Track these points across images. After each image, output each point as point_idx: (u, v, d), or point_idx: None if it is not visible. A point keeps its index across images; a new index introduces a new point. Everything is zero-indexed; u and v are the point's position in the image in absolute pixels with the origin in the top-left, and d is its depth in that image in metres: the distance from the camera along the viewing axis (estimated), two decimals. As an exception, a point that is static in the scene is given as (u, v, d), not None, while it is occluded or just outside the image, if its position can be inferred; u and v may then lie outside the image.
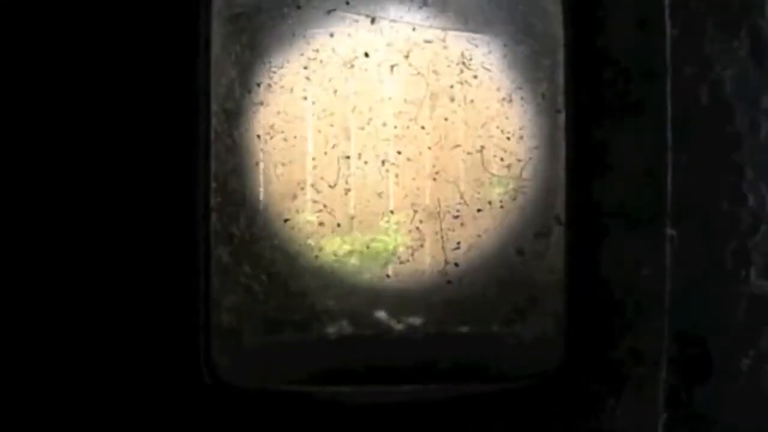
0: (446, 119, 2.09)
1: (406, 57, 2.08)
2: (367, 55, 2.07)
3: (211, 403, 1.69)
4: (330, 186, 2.06)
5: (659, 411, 1.66)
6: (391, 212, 2.06)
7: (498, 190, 2.06)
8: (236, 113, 1.99)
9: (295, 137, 2.06)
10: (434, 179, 2.08)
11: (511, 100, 2.07)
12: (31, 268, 1.70)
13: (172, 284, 1.70)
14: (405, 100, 2.08)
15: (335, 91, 2.07)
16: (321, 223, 2.06)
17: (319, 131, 2.07)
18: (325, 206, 2.06)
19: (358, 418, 1.69)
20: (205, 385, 1.69)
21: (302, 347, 1.96)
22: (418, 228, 2.06)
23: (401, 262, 2.06)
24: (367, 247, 2.07)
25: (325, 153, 2.08)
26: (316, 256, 2.05)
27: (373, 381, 1.87)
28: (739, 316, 1.69)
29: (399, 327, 1.97)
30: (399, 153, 2.08)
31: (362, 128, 2.09)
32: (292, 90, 2.05)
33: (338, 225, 2.07)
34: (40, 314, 1.69)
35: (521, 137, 2.07)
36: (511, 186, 2.05)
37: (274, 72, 2.04)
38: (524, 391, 1.75)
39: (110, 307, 1.68)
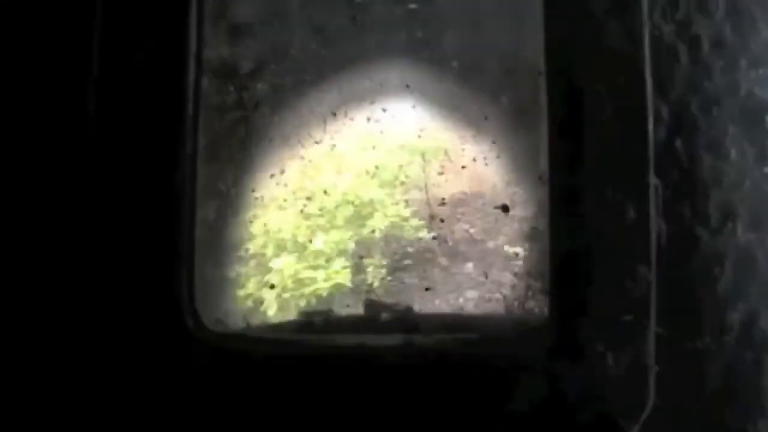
0: (430, 79, 2.10)
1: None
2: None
3: (194, 349, 1.69)
4: (316, 142, 2.07)
5: (650, 363, 1.66)
6: (376, 167, 2.08)
7: (482, 147, 2.07)
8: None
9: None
10: (419, 137, 2.09)
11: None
12: (15, 211, 1.71)
13: (156, 232, 1.70)
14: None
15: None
16: (310, 179, 2.08)
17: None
18: (310, 162, 2.07)
19: (341, 365, 1.70)
20: (188, 332, 1.70)
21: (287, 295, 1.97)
22: (403, 183, 2.07)
23: (386, 216, 2.07)
24: (353, 203, 2.08)
25: (312, 110, 2.08)
26: (304, 206, 2.06)
27: (356, 331, 1.88)
28: (728, 269, 1.70)
29: (383, 275, 1.98)
30: (384, 110, 2.09)
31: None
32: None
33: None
34: (20, 256, 1.70)
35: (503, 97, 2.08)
36: (494, 143, 2.06)
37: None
38: (508, 340, 1.76)
39: (92, 255, 1.69)
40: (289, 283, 2.03)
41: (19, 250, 1.70)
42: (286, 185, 2.00)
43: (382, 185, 2.07)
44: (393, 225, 2.08)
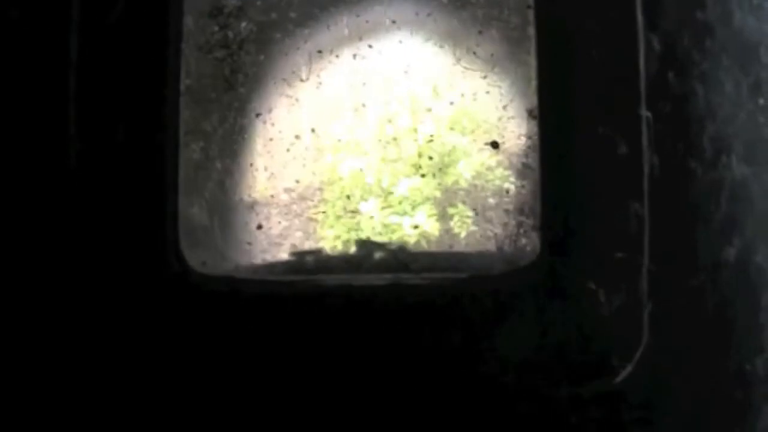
0: (417, 14, 2.07)
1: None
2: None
3: (178, 291, 1.68)
4: (302, 80, 2.04)
5: (644, 300, 1.65)
6: (363, 105, 2.05)
7: (470, 83, 2.04)
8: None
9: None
10: (406, 72, 2.06)
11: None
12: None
13: (140, 174, 1.69)
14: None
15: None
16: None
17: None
18: (297, 100, 2.04)
19: (328, 307, 1.69)
20: (173, 274, 1.68)
21: (274, 237, 1.96)
22: (390, 121, 2.04)
23: (377, 155, 2.05)
24: (339, 140, 2.06)
25: (298, 48, 2.06)
26: (288, 150, 2.04)
27: (348, 270, 1.87)
28: (722, 204, 1.68)
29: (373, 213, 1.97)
30: (370, 47, 2.06)
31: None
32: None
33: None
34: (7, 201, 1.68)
35: (492, 32, 2.05)
36: (483, 80, 2.03)
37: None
38: (499, 278, 1.74)
39: (76, 197, 1.67)
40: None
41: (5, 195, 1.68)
42: (273, 124, 1.97)
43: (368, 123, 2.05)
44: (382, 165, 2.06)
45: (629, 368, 1.64)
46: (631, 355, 1.64)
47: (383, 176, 2.06)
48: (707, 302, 1.68)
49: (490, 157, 2.01)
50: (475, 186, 2.05)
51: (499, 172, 2.01)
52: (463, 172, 2.04)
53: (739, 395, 1.71)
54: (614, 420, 1.68)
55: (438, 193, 2.06)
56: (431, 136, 1.98)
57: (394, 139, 1.99)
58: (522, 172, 1.92)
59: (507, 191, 1.92)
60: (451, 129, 2.01)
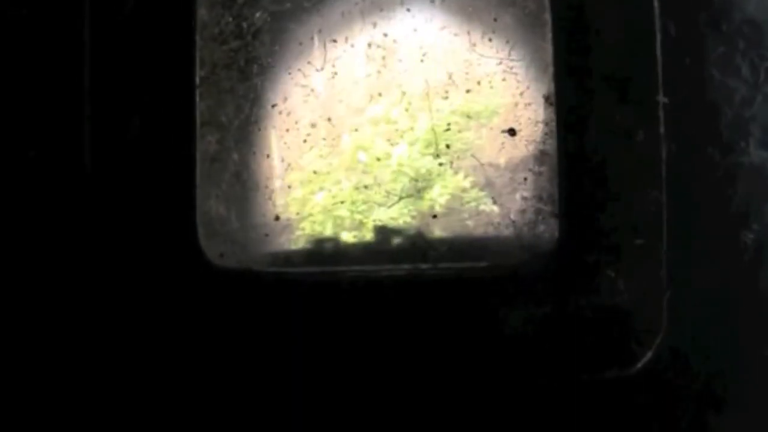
0: (432, 1, 2.06)
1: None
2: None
3: (197, 283, 1.69)
4: (317, 70, 2.04)
5: (663, 286, 1.65)
6: (379, 94, 2.04)
7: (486, 70, 2.03)
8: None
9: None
10: (421, 61, 2.06)
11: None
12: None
13: (157, 168, 1.69)
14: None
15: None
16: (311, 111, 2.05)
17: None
18: (312, 90, 2.04)
19: (346, 297, 1.69)
20: (191, 265, 1.69)
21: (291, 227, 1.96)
22: (406, 110, 2.04)
23: (392, 144, 2.05)
24: (356, 130, 2.06)
25: (311, 38, 2.05)
26: (304, 141, 2.03)
27: (366, 257, 1.88)
28: (740, 188, 1.67)
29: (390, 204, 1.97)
30: (385, 35, 2.05)
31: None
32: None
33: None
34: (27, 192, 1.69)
35: (508, 19, 2.04)
36: (499, 66, 2.03)
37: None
38: (518, 266, 1.74)
39: (93, 194, 1.68)
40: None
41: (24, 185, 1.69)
42: (289, 114, 1.97)
43: (385, 110, 2.04)
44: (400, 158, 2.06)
45: (648, 355, 1.64)
46: (651, 341, 1.63)
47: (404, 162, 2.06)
48: (726, 288, 1.68)
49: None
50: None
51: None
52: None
53: (758, 382, 1.70)
54: (633, 407, 1.68)
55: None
56: (448, 124, 1.97)
57: (411, 129, 1.98)
58: (540, 158, 1.91)
59: (525, 179, 1.92)
60: (468, 117, 1.99)
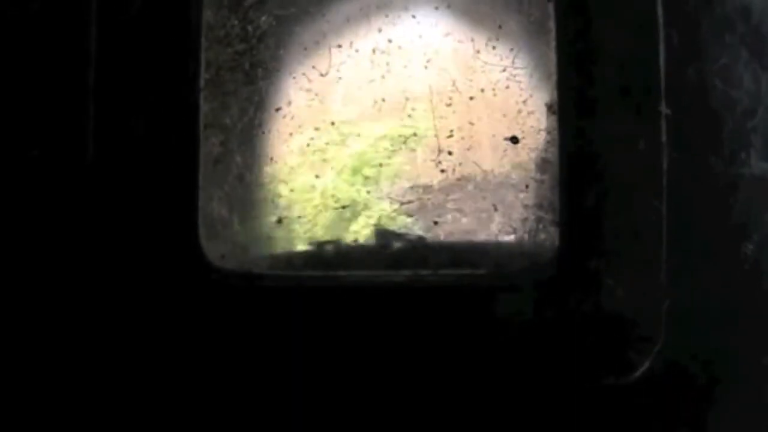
0: (436, 7, 2.07)
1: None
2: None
3: (198, 285, 1.69)
4: (321, 75, 2.04)
5: (662, 295, 1.65)
6: (383, 100, 2.05)
7: (490, 77, 2.04)
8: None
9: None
10: (425, 67, 2.06)
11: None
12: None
13: (160, 169, 1.69)
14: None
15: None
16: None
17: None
18: (317, 95, 2.05)
19: (346, 302, 1.69)
20: (192, 267, 1.69)
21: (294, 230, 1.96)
22: (409, 116, 2.04)
23: (393, 150, 2.05)
24: (358, 135, 2.06)
25: (317, 42, 2.06)
26: (308, 144, 2.04)
27: (367, 261, 1.88)
28: (741, 198, 1.68)
29: (392, 214, 1.97)
30: (390, 41, 2.06)
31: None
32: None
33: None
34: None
35: (512, 26, 2.05)
36: (503, 74, 2.03)
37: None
38: (518, 273, 1.75)
39: (95, 194, 1.68)
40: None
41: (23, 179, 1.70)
42: (293, 118, 1.98)
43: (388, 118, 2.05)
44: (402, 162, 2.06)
45: (647, 363, 1.64)
46: (650, 350, 1.64)
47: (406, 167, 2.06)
48: (726, 298, 1.68)
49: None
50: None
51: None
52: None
53: (757, 391, 1.70)
54: (631, 415, 1.68)
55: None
56: (451, 131, 1.97)
57: (414, 134, 1.99)
58: (541, 166, 1.91)
59: (526, 187, 1.92)
60: (470, 124, 2.00)
